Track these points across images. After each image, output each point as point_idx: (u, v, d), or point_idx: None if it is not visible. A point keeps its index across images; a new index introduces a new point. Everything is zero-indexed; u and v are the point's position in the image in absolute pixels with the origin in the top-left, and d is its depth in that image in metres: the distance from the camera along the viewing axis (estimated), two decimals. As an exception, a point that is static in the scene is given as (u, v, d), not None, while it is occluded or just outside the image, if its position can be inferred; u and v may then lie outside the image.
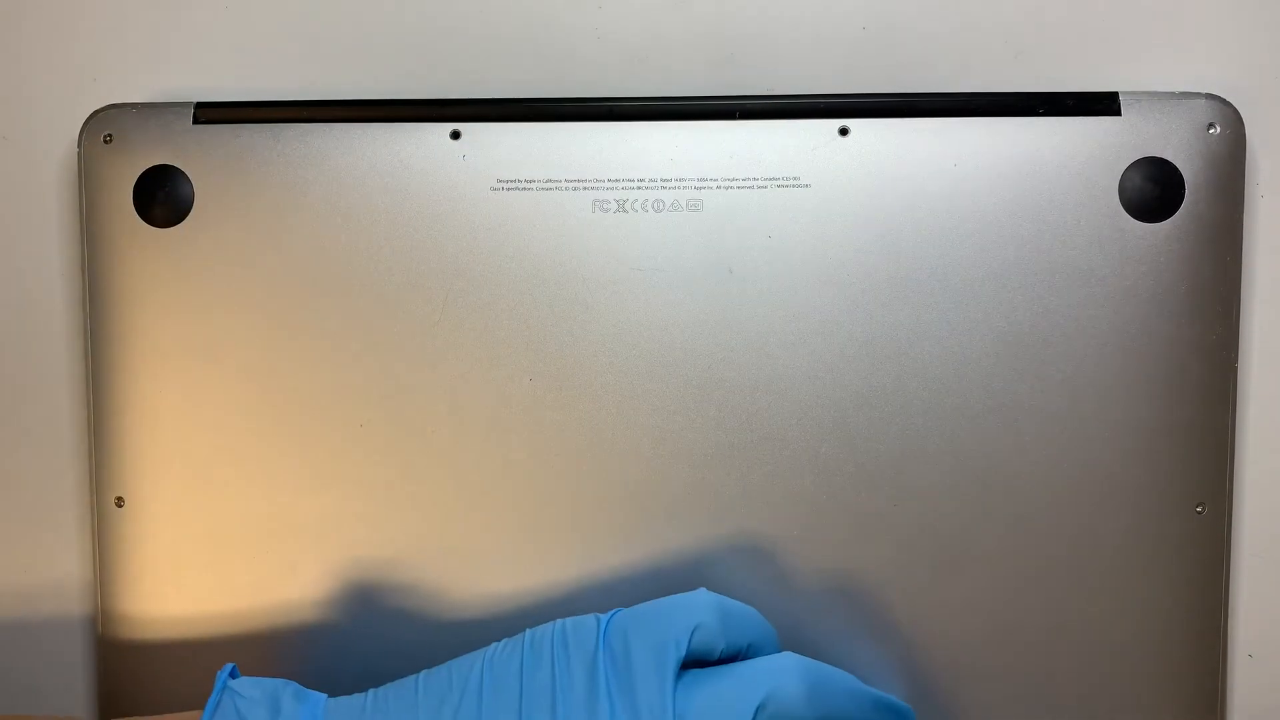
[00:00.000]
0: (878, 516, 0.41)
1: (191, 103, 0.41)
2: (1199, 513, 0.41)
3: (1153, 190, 0.40)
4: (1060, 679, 0.41)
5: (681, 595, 0.37)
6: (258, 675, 0.38)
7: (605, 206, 0.41)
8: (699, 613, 0.36)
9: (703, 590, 0.37)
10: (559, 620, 0.37)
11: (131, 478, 0.42)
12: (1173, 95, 0.41)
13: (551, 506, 0.41)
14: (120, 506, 0.42)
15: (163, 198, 0.41)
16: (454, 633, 0.41)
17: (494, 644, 0.37)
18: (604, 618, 0.37)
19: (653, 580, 0.41)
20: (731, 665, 0.36)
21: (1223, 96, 0.41)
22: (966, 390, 0.41)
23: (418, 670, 0.38)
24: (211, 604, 0.42)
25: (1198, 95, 0.41)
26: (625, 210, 0.41)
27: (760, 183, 0.41)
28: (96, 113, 0.41)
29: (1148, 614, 0.41)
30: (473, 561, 0.41)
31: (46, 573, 0.45)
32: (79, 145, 0.41)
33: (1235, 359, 0.41)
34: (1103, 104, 0.41)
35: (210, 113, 0.41)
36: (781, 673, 0.35)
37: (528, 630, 0.37)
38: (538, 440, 0.41)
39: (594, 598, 0.41)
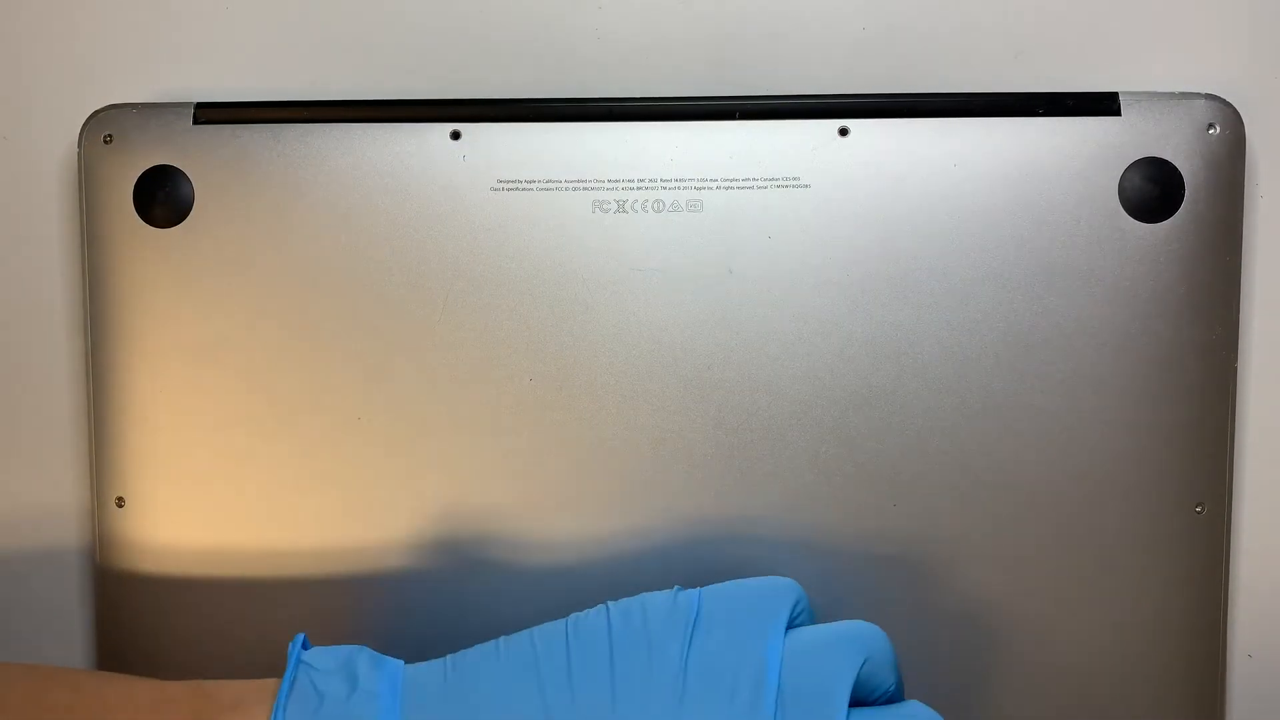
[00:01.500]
0: (878, 516, 0.41)
1: (191, 103, 0.41)
2: (1198, 513, 0.41)
3: (1152, 190, 0.40)
4: (1060, 679, 0.41)
5: (764, 579, 0.37)
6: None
7: (605, 207, 0.41)
8: (791, 591, 0.36)
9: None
10: (640, 595, 0.36)
11: (131, 478, 0.42)
12: (1173, 95, 0.41)
13: (551, 506, 0.41)
14: (120, 506, 0.42)
15: (163, 198, 0.41)
16: (454, 631, 0.41)
17: (575, 613, 0.36)
18: (691, 597, 0.35)
19: (653, 580, 0.41)
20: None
21: (1223, 96, 0.41)
22: (966, 390, 0.41)
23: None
24: (212, 603, 0.42)
25: (1198, 95, 0.41)
26: (625, 210, 0.41)
27: (760, 183, 0.41)
28: (96, 113, 0.41)
29: (1147, 614, 0.41)
30: (472, 561, 0.41)
31: (47, 573, 0.45)
32: (79, 145, 0.41)
33: (1235, 359, 0.41)
34: (1103, 104, 0.41)
35: (210, 113, 0.41)
36: None
37: (644, 595, 0.36)
38: (538, 440, 0.41)
39: (593, 598, 0.41)
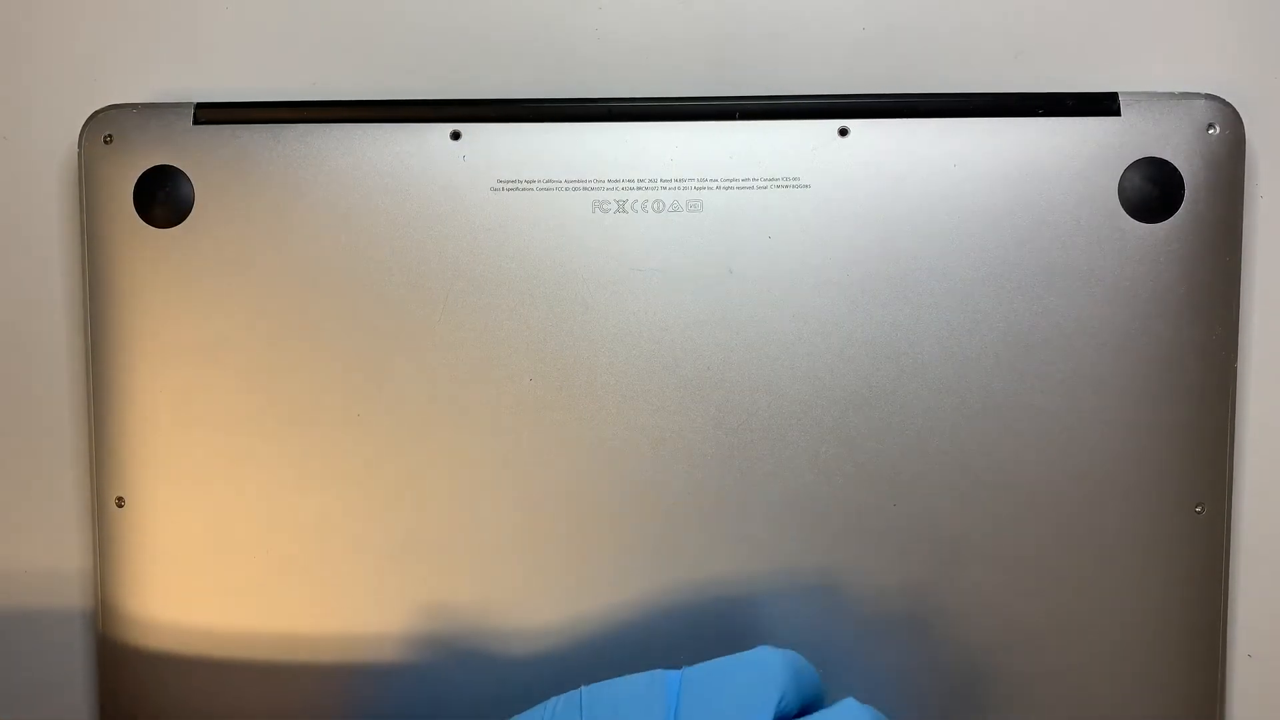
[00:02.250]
0: (878, 516, 0.41)
1: (192, 103, 0.41)
2: (1198, 513, 0.41)
3: (1152, 190, 0.40)
4: (1060, 679, 0.41)
5: (749, 658, 0.34)
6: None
7: (605, 207, 0.41)
8: (777, 679, 0.33)
9: (765, 649, 0.34)
10: (618, 680, 0.34)
11: (131, 478, 0.42)
12: (1172, 95, 0.41)
13: (551, 506, 0.41)
14: (120, 506, 0.42)
15: (163, 198, 0.41)
16: (452, 631, 0.41)
17: (546, 703, 0.34)
18: (671, 682, 0.34)
19: (652, 580, 0.41)
20: None
21: (1222, 96, 0.41)
22: (966, 390, 0.41)
23: (416, 671, 0.37)
24: (212, 603, 0.42)
25: (1197, 95, 0.41)
26: (625, 211, 0.41)
27: (760, 183, 0.41)
28: (97, 113, 0.41)
29: (1147, 614, 0.41)
30: (472, 561, 0.41)
31: (47, 573, 0.45)
32: (79, 145, 0.41)
33: (1235, 359, 0.41)
34: (1102, 104, 0.41)
35: (210, 113, 0.41)
36: None
37: (583, 688, 0.34)
38: (538, 440, 0.41)
39: (592, 597, 0.41)
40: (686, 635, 0.41)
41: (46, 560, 0.45)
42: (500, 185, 0.41)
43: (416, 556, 0.41)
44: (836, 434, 0.41)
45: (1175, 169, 0.40)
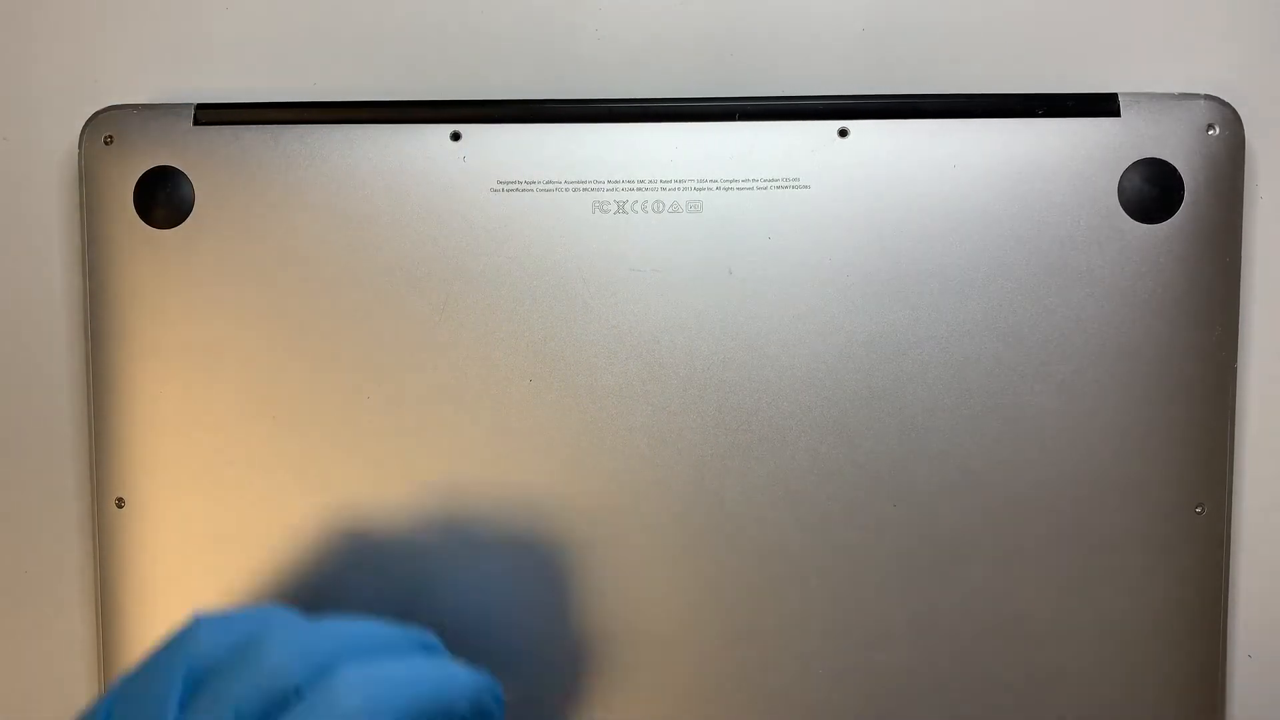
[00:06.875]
0: (878, 516, 0.41)
1: (192, 104, 0.41)
2: (1198, 513, 0.41)
3: (1152, 191, 0.40)
4: (1060, 679, 0.41)
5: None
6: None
7: (605, 208, 0.41)
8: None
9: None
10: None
11: (131, 478, 0.42)
12: (1172, 96, 0.41)
13: (550, 507, 0.41)
14: (120, 507, 0.42)
15: (163, 199, 0.41)
16: (452, 633, 0.41)
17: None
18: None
19: (652, 581, 0.41)
20: None
21: (1222, 97, 0.41)
22: (966, 390, 0.41)
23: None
24: (212, 603, 0.42)
25: (1197, 96, 0.41)
26: (625, 211, 0.41)
27: (760, 184, 0.41)
28: (97, 113, 0.41)
29: (1147, 614, 0.41)
30: (472, 562, 0.41)
31: (47, 573, 0.45)
32: (79, 146, 0.41)
33: (1235, 359, 0.41)
34: (1102, 105, 0.41)
35: (211, 114, 0.41)
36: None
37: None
38: (537, 440, 0.41)
39: (592, 598, 0.41)
40: (687, 635, 0.41)
41: (46, 560, 0.45)
42: (500, 186, 0.41)
43: (416, 557, 0.41)
44: (837, 434, 0.41)
45: (1175, 169, 0.40)
